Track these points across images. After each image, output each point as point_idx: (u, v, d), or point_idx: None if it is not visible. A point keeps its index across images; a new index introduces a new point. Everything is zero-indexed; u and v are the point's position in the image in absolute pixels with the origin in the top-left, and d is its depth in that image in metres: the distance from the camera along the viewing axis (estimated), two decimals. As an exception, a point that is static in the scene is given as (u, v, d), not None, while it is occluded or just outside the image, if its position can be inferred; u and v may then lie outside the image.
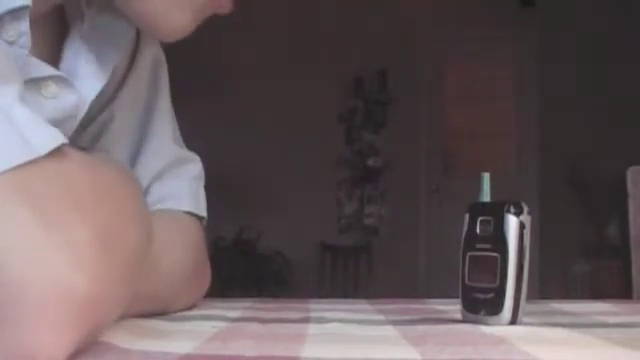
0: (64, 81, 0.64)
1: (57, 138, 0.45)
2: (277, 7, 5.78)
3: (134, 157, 0.78)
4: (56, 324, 0.41)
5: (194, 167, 0.83)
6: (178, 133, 0.83)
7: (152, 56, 0.81)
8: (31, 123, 0.45)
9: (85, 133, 0.75)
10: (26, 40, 0.58)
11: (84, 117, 0.70)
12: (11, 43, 0.57)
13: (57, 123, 0.65)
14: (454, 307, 0.70)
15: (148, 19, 0.66)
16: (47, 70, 0.63)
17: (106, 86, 0.72)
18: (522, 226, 0.63)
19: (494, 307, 0.63)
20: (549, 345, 0.53)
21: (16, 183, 0.42)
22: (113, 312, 0.48)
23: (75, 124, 0.68)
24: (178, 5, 0.65)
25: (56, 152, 0.45)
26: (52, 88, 0.63)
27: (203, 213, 0.80)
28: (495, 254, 0.63)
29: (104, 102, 0.76)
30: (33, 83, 0.62)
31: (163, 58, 0.83)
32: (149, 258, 0.58)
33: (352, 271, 5.87)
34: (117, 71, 0.76)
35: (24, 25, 0.58)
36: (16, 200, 0.42)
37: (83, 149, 0.72)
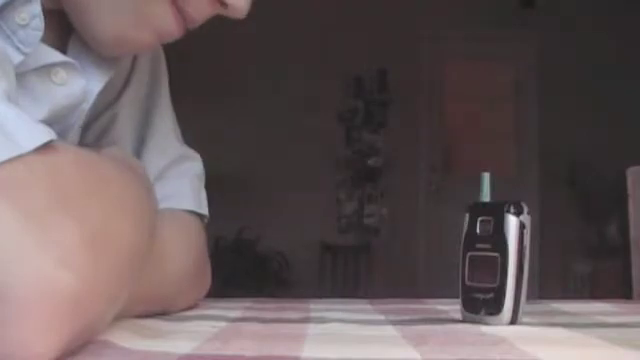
0: (73, 68, 0.64)
1: (44, 135, 0.45)
2: (277, 7, 5.78)
3: (137, 154, 0.78)
4: (42, 323, 0.41)
5: (195, 165, 0.82)
6: (178, 129, 0.83)
7: (151, 53, 0.81)
8: (17, 121, 0.44)
9: (89, 132, 0.74)
10: (39, 22, 0.58)
11: (89, 114, 0.70)
12: (24, 26, 0.58)
13: (66, 110, 0.66)
14: (454, 307, 0.70)
15: (114, 40, 0.66)
16: (57, 57, 0.63)
17: (111, 84, 0.72)
18: (522, 226, 0.63)
19: (494, 307, 0.63)
20: (549, 345, 0.53)
21: None
22: (106, 310, 0.48)
23: (84, 111, 0.68)
24: (137, 27, 0.65)
25: (44, 149, 0.44)
26: (62, 75, 0.64)
27: (205, 211, 0.80)
28: (495, 254, 0.63)
29: (110, 101, 0.76)
30: (44, 70, 0.62)
31: (161, 53, 0.83)
32: (151, 258, 0.58)
33: (352, 271, 5.87)
34: (122, 71, 0.77)
35: (36, 7, 0.58)
36: None
37: (88, 146, 0.72)
